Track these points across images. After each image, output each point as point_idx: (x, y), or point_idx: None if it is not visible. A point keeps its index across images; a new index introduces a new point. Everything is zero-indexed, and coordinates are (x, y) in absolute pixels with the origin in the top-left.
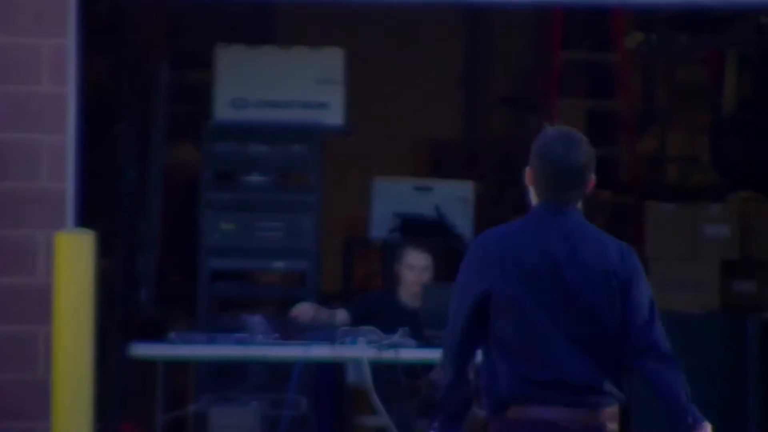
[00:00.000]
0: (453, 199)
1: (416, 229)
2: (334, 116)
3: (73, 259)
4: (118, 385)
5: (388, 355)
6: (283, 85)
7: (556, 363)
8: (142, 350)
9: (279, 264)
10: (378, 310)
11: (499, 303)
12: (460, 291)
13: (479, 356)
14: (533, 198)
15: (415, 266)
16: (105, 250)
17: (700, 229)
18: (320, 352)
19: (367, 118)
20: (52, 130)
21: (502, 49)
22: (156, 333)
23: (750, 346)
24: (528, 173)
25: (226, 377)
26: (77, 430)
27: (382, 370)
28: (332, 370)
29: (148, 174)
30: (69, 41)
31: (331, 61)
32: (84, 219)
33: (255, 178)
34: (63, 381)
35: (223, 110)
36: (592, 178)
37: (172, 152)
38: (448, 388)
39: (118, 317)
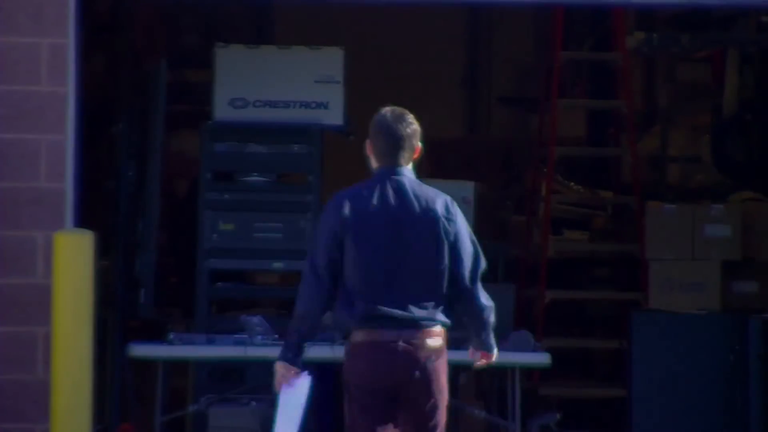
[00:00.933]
0: (453, 199)
1: None
2: (334, 116)
3: (72, 260)
4: (117, 386)
5: None
6: (283, 85)
7: (385, 296)
8: (142, 351)
9: (278, 264)
10: None
11: (348, 247)
12: (323, 237)
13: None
14: (373, 164)
15: None
16: (104, 251)
17: (701, 230)
18: (320, 352)
19: (368, 118)
20: (51, 130)
21: (503, 49)
22: (155, 334)
23: (751, 347)
24: (368, 145)
25: (226, 378)
26: (76, 431)
27: None
28: (332, 371)
29: (147, 174)
30: (68, 41)
31: (331, 61)
32: (83, 219)
33: (254, 179)
34: (62, 382)
35: (222, 110)
36: (419, 146)
37: (174, 141)
38: (303, 317)
39: (117, 318)
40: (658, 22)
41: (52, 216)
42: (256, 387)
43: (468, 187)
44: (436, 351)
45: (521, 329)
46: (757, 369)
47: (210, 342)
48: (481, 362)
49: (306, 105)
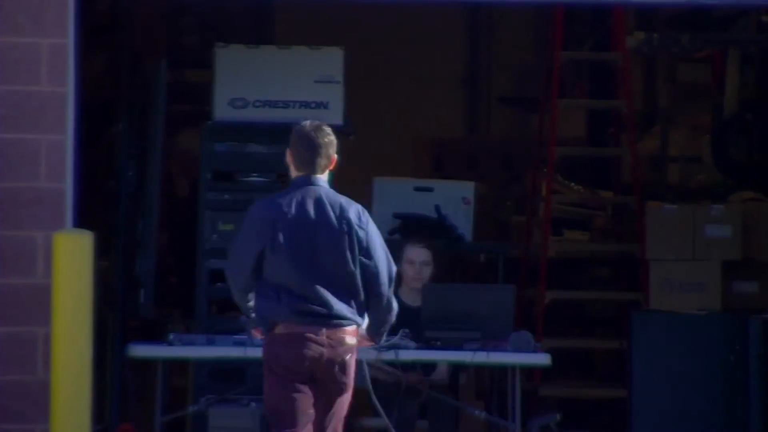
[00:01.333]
0: (454, 199)
1: (416, 230)
2: (334, 116)
3: (72, 260)
4: (117, 386)
5: (388, 356)
6: (283, 85)
7: (307, 295)
8: (141, 351)
9: None
10: None
11: (269, 251)
12: (243, 243)
13: None
14: (292, 172)
15: (415, 261)
16: (104, 251)
17: (702, 230)
18: None
19: (368, 118)
20: (51, 130)
21: (503, 49)
22: (155, 334)
23: (751, 347)
24: (288, 154)
25: (225, 378)
26: (76, 431)
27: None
28: None
29: (147, 174)
30: (68, 41)
31: (331, 60)
32: (83, 219)
33: (254, 179)
34: (62, 382)
35: (222, 110)
36: (334, 157)
37: (175, 140)
38: (241, 300)
39: (117, 318)
40: (659, 22)
41: (52, 216)
42: (256, 387)
43: (468, 187)
44: (351, 348)
45: (521, 329)
46: (757, 369)
47: (210, 342)
48: (366, 344)
49: (306, 105)
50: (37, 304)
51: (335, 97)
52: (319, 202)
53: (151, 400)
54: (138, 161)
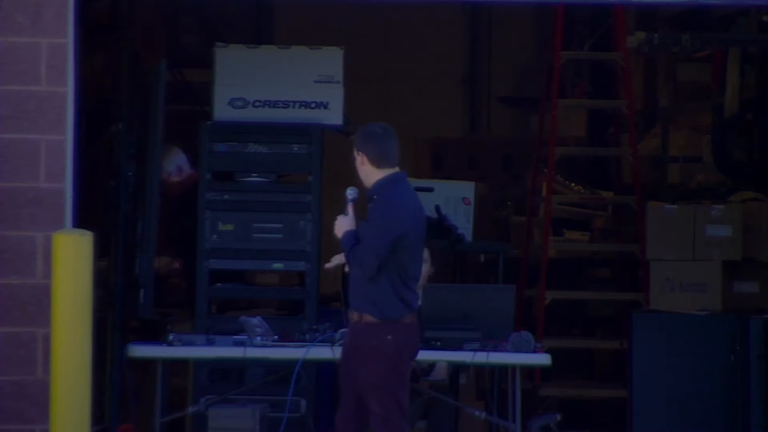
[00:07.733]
0: (454, 199)
1: None
2: (333, 116)
3: (72, 260)
4: (117, 386)
5: None
6: (283, 85)
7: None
8: (141, 351)
9: (278, 265)
10: None
11: (404, 243)
12: (383, 231)
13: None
14: (372, 174)
15: None
16: (104, 251)
17: (702, 230)
18: (320, 353)
19: (368, 117)
20: (50, 130)
21: (503, 49)
22: (155, 334)
23: (751, 347)
24: (360, 158)
25: (225, 379)
26: None
27: None
28: (332, 371)
29: (146, 174)
30: (67, 40)
31: (331, 60)
32: (83, 219)
33: (254, 179)
34: (62, 382)
35: (222, 110)
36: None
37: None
38: None
39: (117, 318)
40: (659, 21)
41: (51, 216)
42: (255, 387)
43: (468, 187)
44: None
45: (522, 329)
46: (757, 369)
47: (210, 342)
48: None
49: (306, 105)
50: (37, 304)
51: (335, 97)
52: (414, 196)
53: (151, 400)
54: (138, 161)
